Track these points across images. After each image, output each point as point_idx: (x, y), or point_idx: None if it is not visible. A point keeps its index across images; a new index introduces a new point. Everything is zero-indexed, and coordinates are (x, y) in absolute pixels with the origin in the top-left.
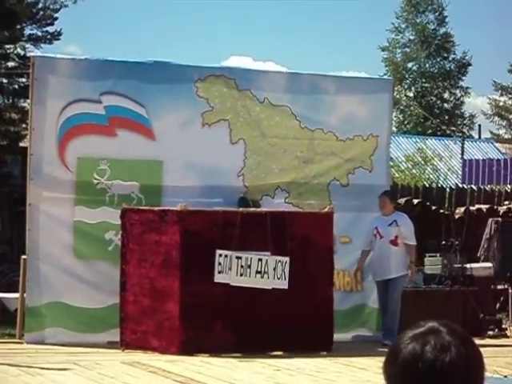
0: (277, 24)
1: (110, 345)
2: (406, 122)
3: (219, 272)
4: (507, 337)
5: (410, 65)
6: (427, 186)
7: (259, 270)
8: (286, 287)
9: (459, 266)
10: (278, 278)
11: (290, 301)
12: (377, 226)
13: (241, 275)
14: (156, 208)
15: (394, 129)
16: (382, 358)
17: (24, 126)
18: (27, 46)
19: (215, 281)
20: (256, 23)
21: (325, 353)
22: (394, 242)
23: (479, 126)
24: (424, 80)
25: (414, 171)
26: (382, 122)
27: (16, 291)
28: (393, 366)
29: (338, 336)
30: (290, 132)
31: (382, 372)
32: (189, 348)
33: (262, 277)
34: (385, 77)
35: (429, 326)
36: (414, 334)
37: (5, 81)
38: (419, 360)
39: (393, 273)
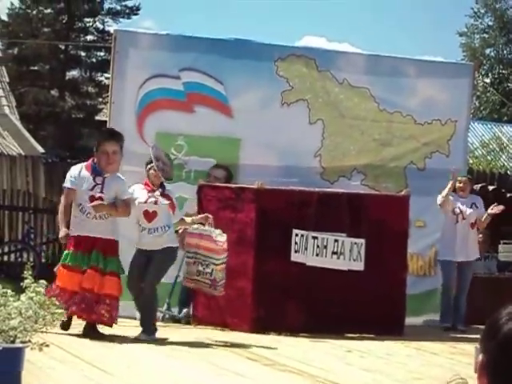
0: (352, 5)
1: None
2: (482, 109)
3: (295, 251)
4: None
5: (487, 51)
6: (503, 173)
7: (335, 250)
8: (362, 269)
9: None
10: (354, 260)
11: (363, 283)
12: (459, 206)
13: (317, 255)
14: (233, 185)
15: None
16: (454, 344)
17: (100, 99)
18: (106, 20)
19: (292, 260)
20: (331, 1)
21: (396, 336)
22: (473, 226)
23: None
24: (502, 66)
25: (488, 158)
26: (461, 107)
27: None
28: (492, 341)
29: (409, 320)
30: (369, 114)
31: (479, 345)
32: (260, 326)
33: (338, 258)
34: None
35: None
36: None
37: (83, 54)
38: None
39: (472, 256)
